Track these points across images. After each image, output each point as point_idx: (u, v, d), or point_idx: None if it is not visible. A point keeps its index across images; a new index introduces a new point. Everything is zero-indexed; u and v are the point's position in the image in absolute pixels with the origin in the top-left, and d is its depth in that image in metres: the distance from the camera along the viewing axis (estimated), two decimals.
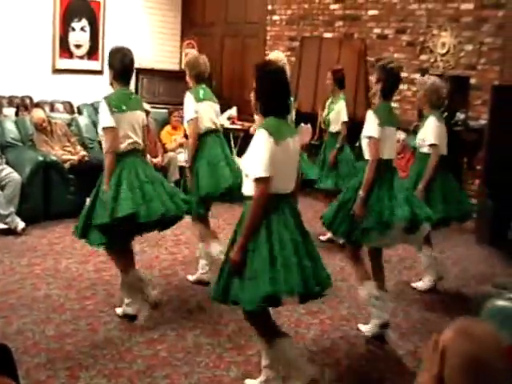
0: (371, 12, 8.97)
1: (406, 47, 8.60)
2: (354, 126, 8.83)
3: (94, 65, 9.85)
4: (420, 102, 5.44)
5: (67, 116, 7.94)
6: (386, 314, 4.41)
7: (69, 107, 8.83)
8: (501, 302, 3.63)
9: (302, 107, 8.39)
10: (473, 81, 7.89)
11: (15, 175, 6.34)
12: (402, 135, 7.73)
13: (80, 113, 8.77)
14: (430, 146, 5.24)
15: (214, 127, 5.22)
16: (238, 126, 9.69)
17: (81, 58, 9.70)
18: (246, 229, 3.29)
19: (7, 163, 6.57)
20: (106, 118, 4.21)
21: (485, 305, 3.71)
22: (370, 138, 4.28)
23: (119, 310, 4.54)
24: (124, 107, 4.25)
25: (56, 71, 9.19)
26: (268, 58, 5.74)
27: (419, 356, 4.25)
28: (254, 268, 3.24)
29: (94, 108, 9.14)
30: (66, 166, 6.77)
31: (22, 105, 8.05)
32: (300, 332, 4.52)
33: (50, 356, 3.88)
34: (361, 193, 4.22)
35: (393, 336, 4.56)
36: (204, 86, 5.28)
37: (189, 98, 5.12)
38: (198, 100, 5.13)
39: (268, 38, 10.34)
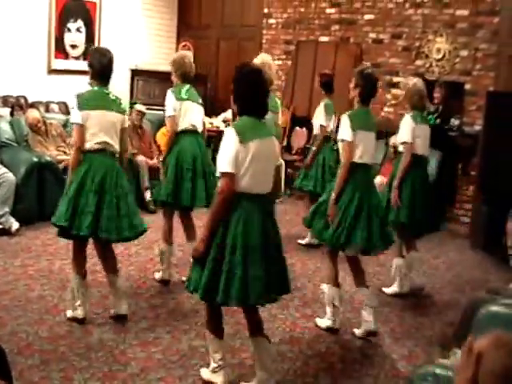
0: (367, 16, 9.01)
1: (401, 52, 8.64)
2: None
3: None
4: (403, 102, 5.51)
5: (62, 116, 7.91)
6: (337, 321, 4.62)
7: (64, 108, 8.81)
8: (494, 308, 3.64)
9: (298, 111, 8.41)
10: (468, 86, 7.93)
11: (10, 175, 6.31)
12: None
13: None
14: (403, 143, 5.32)
15: (191, 128, 5.24)
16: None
17: (76, 58, 9.68)
18: (208, 221, 3.40)
19: (2, 163, 6.52)
20: (74, 114, 4.31)
21: (479, 310, 3.73)
22: (343, 140, 4.40)
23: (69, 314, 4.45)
24: (94, 105, 4.25)
25: (51, 71, 9.17)
26: (255, 60, 5.83)
27: (413, 360, 4.28)
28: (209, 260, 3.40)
29: None
30: (61, 166, 6.74)
31: (17, 105, 8.02)
32: (295, 336, 4.52)
33: (44, 357, 3.86)
34: (332, 195, 4.38)
35: (387, 341, 4.58)
36: (188, 86, 5.31)
37: (170, 95, 5.18)
38: (179, 99, 5.17)
39: (264, 41, 10.37)
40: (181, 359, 4.01)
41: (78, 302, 4.38)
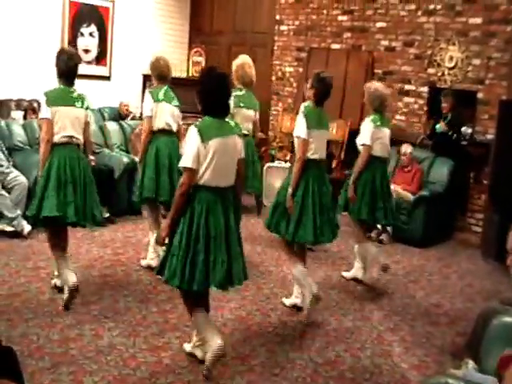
0: (379, 24, 8.99)
1: (413, 60, 8.62)
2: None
3: (101, 70, 9.88)
4: (366, 105, 5.81)
5: None
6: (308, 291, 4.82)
7: None
8: (507, 318, 3.62)
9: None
10: (480, 95, 7.90)
11: (22, 178, 6.34)
12: (408, 149, 7.72)
13: None
14: (362, 145, 5.59)
15: (167, 128, 5.54)
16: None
17: (89, 63, 9.72)
18: (171, 211, 3.79)
19: (14, 166, 6.56)
20: (43, 110, 4.71)
21: (491, 321, 3.71)
22: (298, 137, 4.78)
23: (52, 282, 4.97)
24: (61, 102, 4.68)
25: None
26: (236, 60, 6.33)
27: (424, 370, 4.25)
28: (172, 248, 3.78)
29: (101, 113, 9.18)
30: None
31: (30, 108, 8.06)
32: (305, 343, 4.51)
33: (54, 360, 3.86)
34: (289, 189, 4.75)
35: (397, 350, 4.55)
36: (166, 87, 5.63)
37: (147, 96, 5.54)
38: (156, 100, 5.49)
39: (276, 47, 10.38)
40: (190, 365, 4.00)
41: (56, 273, 4.87)
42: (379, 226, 7.38)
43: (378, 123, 5.58)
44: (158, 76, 5.62)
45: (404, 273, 6.38)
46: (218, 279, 3.75)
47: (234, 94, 6.10)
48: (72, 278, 4.61)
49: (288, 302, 5.13)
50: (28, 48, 8.63)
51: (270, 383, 3.89)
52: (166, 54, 9.89)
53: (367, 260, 5.79)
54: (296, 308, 5.05)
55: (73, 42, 9.35)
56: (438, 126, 7.80)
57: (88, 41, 9.68)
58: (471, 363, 3.89)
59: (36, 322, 4.37)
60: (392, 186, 7.41)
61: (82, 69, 9.42)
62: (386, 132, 5.71)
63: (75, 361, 3.89)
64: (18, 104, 8.31)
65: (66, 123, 4.69)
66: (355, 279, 5.89)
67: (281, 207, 4.88)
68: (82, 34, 9.59)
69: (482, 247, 7.34)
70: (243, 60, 6.12)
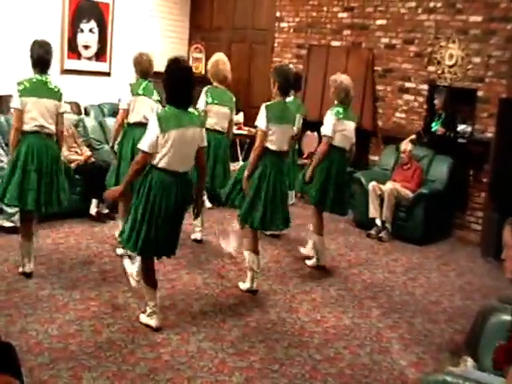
0: (379, 22, 8.98)
1: (413, 58, 8.60)
2: (360, 134, 8.87)
3: (101, 66, 9.86)
4: (331, 97, 5.95)
5: (74, 117, 7.91)
6: (255, 284, 5.26)
7: (76, 108, 8.81)
8: (506, 316, 3.63)
9: (309, 115, 8.37)
10: (480, 93, 7.89)
11: None
12: (408, 146, 7.72)
13: (87, 114, 8.76)
14: (324, 136, 5.82)
15: (144, 121, 5.47)
16: (245, 132, 9.66)
17: (89, 59, 9.70)
18: (123, 183, 4.26)
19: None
20: (14, 100, 4.87)
21: (490, 318, 3.71)
22: (256, 127, 5.05)
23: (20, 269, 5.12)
24: (32, 92, 4.83)
25: (64, 72, 9.17)
26: (212, 58, 6.51)
27: (422, 368, 4.26)
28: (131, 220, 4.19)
29: (101, 109, 9.16)
30: (72, 166, 6.76)
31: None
32: (303, 340, 4.51)
33: (53, 356, 3.86)
34: (245, 172, 5.03)
35: (396, 347, 4.56)
36: (147, 82, 5.80)
37: (128, 90, 5.72)
38: (135, 94, 5.68)
39: (275, 44, 10.36)
40: (189, 361, 4.01)
41: (26, 259, 5.02)
42: (378, 223, 7.39)
43: (341, 116, 5.75)
44: (141, 71, 5.79)
45: (403, 270, 6.38)
46: (164, 251, 4.31)
47: (207, 91, 6.15)
48: (26, 269, 5.04)
49: (243, 286, 5.33)
50: (28, 44, 8.58)
51: (269, 380, 3.90)
52: (165, 50, 9.95)
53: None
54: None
55: (72, 38, 9.35)
56: (433, 124, 7.82)
57: (88, 37, 9.64)
58: (470, 361, 3.90)
59: (35, 317, 4.37)
60: (390, 184, 7.47)
61: (82, 65, 9.56)
62: (350, 124, 5.87)
63: (74, 356, 3.89)
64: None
65: (38, 113, 4.85)
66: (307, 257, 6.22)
67: (239, 184, 5.17)
68: (82, 30, 9.55)
69: (481, 245, 7.35)
70: (217, 57, 6.30)
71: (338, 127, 5.75)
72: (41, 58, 4.95)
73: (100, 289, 5.01)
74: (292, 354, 4.26)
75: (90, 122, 7.92)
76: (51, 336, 4.12)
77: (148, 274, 4.38)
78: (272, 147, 5.03)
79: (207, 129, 5.95)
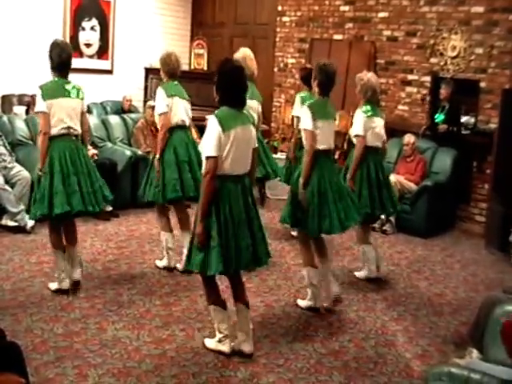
0: (381, 14, 8.96)
1: (416, 50, 8.58)
2: None
3: (103, 64, 9.88)
4: (357, 96, 5.71)
5: None
6: (318, 300, 4.94)
7: None
8: (510, 307, 3.63)
9: None
10: (483, 84, 7.86)
11: (25, 173, 6.36)
12: (411, 139, 7.71)
13: (90, 112, 8.77)
14: (355, 136, 5.56)
15: (181, 124, 5.46)
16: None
17: (91, 57, 9.73)
18: (201, 203, 3.88)
19: (17, 161, 6.59)
20: (39, 104, 4.74)
21: (494, 310, 3.71)
22: (305, 130, 4.75)
23: (52, 286, 4.91)
24: (56, 94, 4.70)
25: None
26: (236, 53, 6.13)
27: (427, 360, 4.26)
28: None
29: (104, 107, 9.19)
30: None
31: (33, 103, 8.04)
32: (308, 334, 4.52)
33: (59, 354, 3.89)
34: (301, 180, 4.74)
35: (401, 339, 4.56)
36: (176, 82, 5.53)
37: (160, 92, 5.37)
38: (169, 95, 5.37)
39: (277, 39, 10.36)
40: (194, 356, 4.02)
41: (63, 275, 4.83)
42: (382, 216, 7.38)
43: (370, 113, 5.54)
44: (169, 72, 5.49)
45: (407, 263, 6.38)
46: (246, 262, 3.96)
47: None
48: (75, 276, 4.90)
49: (303, 303, 5.03)
50: (30, 43, 8.62)
51: (274, 374, 3.91)
52: (167, 47, 9.95)
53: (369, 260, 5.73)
54: (312, 310, 4.96)
55: (74, 36, 9.36)
56: (437, 116, 7.80)
57: (89, 35, 9.67)
58: (475, 352, 3.91)
59: (40, 316, 4.39)
60: (393, 177, 7.45)
61: (84, 63, 9.57)
62: (379, 121, 5.65)
63: (80, 354, 3.91)
64: (21, 99, 8.32)
65: (63, 115, 4.73)
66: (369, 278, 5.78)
67: (296, 201, 4.81)
68: (84, 28, 9.58)
69: (485, 237, 7.33)
70: (244, 53, 6.05)
71: (368, 125, 5.51)
72: (63, 62, 4.76)
73: (104, 287, 5.03)
74: (297, 348, 4.27)
75: (93, 120, 7.91)
76: (56, 334, 4.14)
77: (217, 294, 4.11)
78: (322, 147, 4.77)
79: None
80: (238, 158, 3.90)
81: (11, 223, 6.17)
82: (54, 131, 4.70)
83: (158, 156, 5.36)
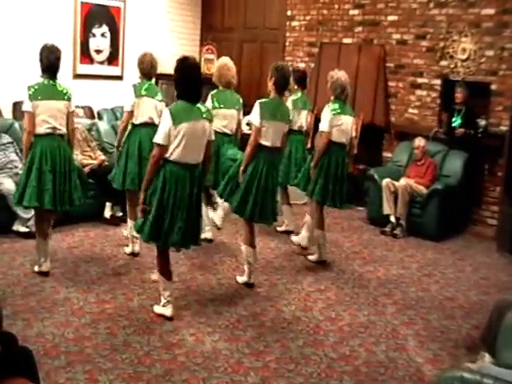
0: (391, 17, 8.94)
1: (425, 53, 8.56)
2: (373, 131, 8.84)
3: (114, 70, 9.93)
4: (327, 92, 6.02)
5: (87, 121, 7.97)
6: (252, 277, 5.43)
7: (89, 112, 8.89)
8: None
9: (320, 113, 8.34)
10: (494, 87, 7.82)
11: None
12: (421, 142, 7.68)
13: (100, 118, 8.83)
14: (321, 132, 5.93)
15: (149, 121, 5.75)
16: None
17: (101, 63, 9.78)
18: (144, 181, 4.43)
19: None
20: (25, 104, 4.99)
21: (506, 313, 3.68)
22: (249, 124, 5.28)
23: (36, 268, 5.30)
24: (43, 96, 4.96)
25: (77, 76, 9.26)
26: (216, 62, 6.57)
27: (439, 364, 4.23)
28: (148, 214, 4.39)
29: (114, 113, 9.22)
30: (86, 170, 6.79)
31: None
32: (318, 339, 4.50)
33: (70, 359, 3.89)
34: (241, 167, 5.20)
35: (412, 343, 4.54)
36: (150, 82, 5.89)
37: (131, 91, 5.77)
38: (138, 95, 5.73)
39: (287, 43, 10.36)
40: (205, 361, 4.02)
41: (42, 259, 5.22)
42: (393, 220, 7.36)
43: (337, 111, 5.81)
44: (142, 71, 5.87)
45: (418, 266, 6.35)
46: (174, 241, 4.41)
47: (213, 95, 6.13)
48: (43, 268, 5.25)
49: (240, 279, 5.48)
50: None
51: (285, 379, 3.90)
52: (176, 52, 9.97)
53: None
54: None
55: (85, 42, 9.41)
56: (453, 120, 7.76)
57: (100, 41, 9.72)
58: (487, 356, 3.88)
59: (51, 321, 4.41)
60: (403, 180, 7.44)
61: (95, 69, 9.63)
62: (347, 119, 5.92)
63: (90, 359, 3.92)
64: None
65: (48, 115, 4.98)
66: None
67: (234, 180, 5.31)
68: (94, 35, 9.64)
69: (496, 240, 7.29)
70: (222, 62, 6.33)
71: (334, 122, 5.81)
72: (51, 64, 5.07)
73: (115, 292, 5.04)
74: (307, 353, 4.26)
75: (103, 125, 7.95)
76: (67, 339, 4.15)
77: (164, 266, 4.60)
78: (265, 143, 5.15)
79: (216, 132, 6.03)
80: (188, 149, 4.32)
81: (22, 229, 6.20)
82: (40, 130, 4.97)
83: (116, 145, 6.05)
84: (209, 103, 6.13)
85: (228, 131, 6.22)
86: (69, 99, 5.15)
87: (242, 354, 4.16)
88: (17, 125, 7.11)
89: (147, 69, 5.85)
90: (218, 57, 10.55)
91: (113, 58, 9.92)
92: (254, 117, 5.14)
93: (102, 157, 7.16)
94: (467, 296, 5.62)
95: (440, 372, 3.90)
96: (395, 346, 4.47)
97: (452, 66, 8.25)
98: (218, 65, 6.38)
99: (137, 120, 5.78)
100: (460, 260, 6.71)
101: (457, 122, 7.76)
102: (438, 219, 7.31)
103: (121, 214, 6.94)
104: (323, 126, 5.87)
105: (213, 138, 4.58)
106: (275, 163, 5.36)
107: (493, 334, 3.83)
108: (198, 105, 4.45)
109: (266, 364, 4.06)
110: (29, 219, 6.13)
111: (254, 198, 5.15)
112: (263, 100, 5.23)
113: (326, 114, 5.84)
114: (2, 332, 3.12)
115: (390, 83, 8.99)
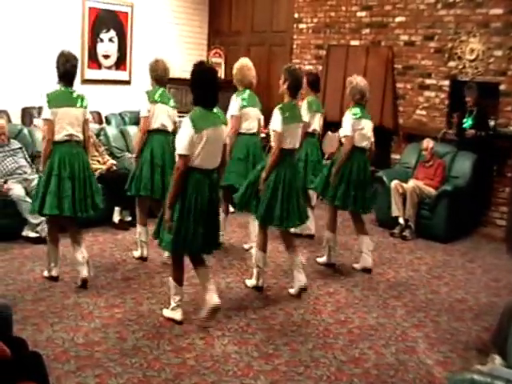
0: (398, 19, 8.94)
1: (433, 54, 8.55)
2: (381, 132, 8.82)
3: (121, 75, 9.97)
4: (347, 98, 6.09)
5: (96, 126, 8.00)
6: (261, 280, 5.39)
7: (97, 117, 8.92)
8: None
9: (329, 116, 8.35)
10: (502, 87, 7.81)
11: None
12: (430, 143, 7.66)
13: (108, 122, 8.86)
14: (344, 137, 5.88)
15: (162, 128, 5.77)
16: (263, 135, 9.59)
17: (109, 68, 9.82)
18: (170, 193, 4.30)
19: (37, 173, 6.64)
20: (44, 111, 5.01)
21: None
22: (274, 131, 5.07)
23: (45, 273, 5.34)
24: (61, 103, 4.98)
25: (85, 81, 9.29)
26: (236, 63, 6.37)
27: (449, 367, 4.21)
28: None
29: (122, 118, 9.25)
30: (96, 175, 6.81)
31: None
32: (328, 342, 4.49)
33: (80, 363, 3.91)
34: (263, 174, 5.08)
35: (422, 346, 4.52)
36: (163, 88, 5.86)
37: (144, 97, 5.75)
38: (152, 101, 5.71)
39: (294, 46, 10.37)
40: (214, 365, 4.02)
41: (52, 264, 5.25)
42: (402, 222, 7.35)
43: (358, 115, 5.81)
44: (156, 78, 5.83)
45: (427, 268, 6.33)
46: (197, 248, 4.43)
47: (238, 95, 6.12)
48: (53, 273, 5.27)
49: (249, 282, 5.46)
50: (48, 55, 8.70)
51: (294, 382, 3.89)
52: (184, 56, 10.01)
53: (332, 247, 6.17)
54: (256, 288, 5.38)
55: (92, 48, 9.46)
56: (465, 121, 7.73)
57: (108, 46, 9.77)
58: (498, 359, 3.85)
59: (61, 326, 4.42)
60: (412, 182, 7.41)
61: (103, 74, 9.67)
62: (367, 123, 5.92)
63: (100, 364, 3.93)
64: (40, 111, 8.32)
65: (67, 123, 5.00)
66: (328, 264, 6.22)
67: (252, 188, 5.23)
68: (102, 40, 9.68)
69: (506, 241, 7.25)
70: (242, 63, 6.27)
71: (356, 126, 5.80)
72: (67, 71, 5.06)
73: (124, 296, 5.05)
74: (317, 356, 4.25)
75: (112, 130, 7.98)
76: (77, 344, 4.16)
77: (179, 273, 4.59)
78: (287, 147, 5.10)
79: (243, 133, 6.07)
80: (208, 155, 4.30)
81: (32, 234, 6.23)
82: (58, 137, 4.99)
83: (135, 155, 5.84)
84: (235, 104, 6.08)
85: (255, 131, 6.23)
86: (85, 107, 5.18)
87: (252, 358, 4.16)
88: (26, 130, 7.16)
89: (161, 75, 5.83)
90: (226, 61, 10.64)
91: (120, 63, 9.96)
92: (276, 124, 5.05)
93: (111, 161, 7.18)
94: (477, 298, 5.59)
95: (450, 374, 3.89)
96: (405, 349, 4.46)
97: (460, 66, 8.24)
98: (238, 66, 6.27)
99: (150, 126, 5.75)
100: (469, 262, 6.69)
101: (468, 123, 7.73)
102: (446, 221, 7.28)
103: (130, 218, 6.95)
104: (346, 131, 5.84)
105: (227, 141, 4.55)
106: (295, 165, 5.35)
107: (503, 335, 3.81)
108: (215, 109, 4.43)
109: (275, 367, 4.06)
110: (38, 224, 6.16)
111: (280, 204, 5.07)
112: (281, 105, 5.13)
113: (348, 119, 5.82)
114: (13, 337, 3.15)
115: (398, 85, 8.98)
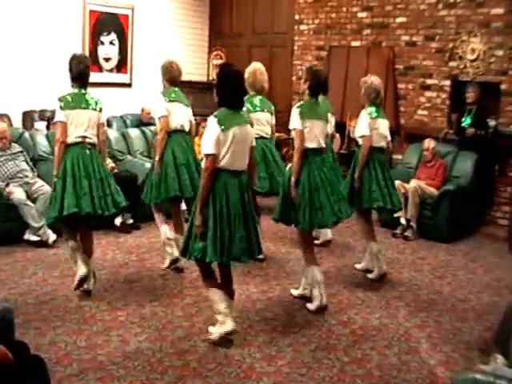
0: (399, 19, 8.93)
1: (434, 54, 8.54)
2: None
3: (122, 78, 9.98)
4: (362, 98, 5.91)
5: None
6: (323, 299, 5.06)
7: None
8: None
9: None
10: (504, 86, 7.80)
11: (47, 188, 6.41)
12: (431, 143, 7.65)
13: (109, 125, 8.85)
14: (361, 137, 5.76)
15: (179, 128, 5.70)
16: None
17: (110, 71, 9.83)
18: (200, 196, 4.14)
19: (39, 176, 6.67)
20: (57, 114, 4.97)
21: None
22: (294, 129, 4.97)
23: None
24: (74, 105, 4.93)
25: None
26: (248, 68, 6.26)
27: (452, 366, 4.21)
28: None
29: (124, 120, 9.26)
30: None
31: (53, 118, 8.16)
32: (331, 343, 4.49)
33: (82, 367, 3.91)
34: (292, 179, 4.90)
35: (425, 346, 4.52)
36: (176, 89, 5.79)
37: (159, 98, 5.68)
38: (169, 100, 5.65)
39: (296, 47, 10.37)
40: (217, 367, 4.02)
41: (79, 262, 5.03)
42: (403, 222, 7.34)
43: (375, 114, 5.74)
44: (170, 79, 5.77)
45: (430, 268, 6.33)
46: (237, 253, 4.19)
47: (247, 100, 6.08)
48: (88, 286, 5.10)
49: (296, 292, 5.33)
50: (49, 58, 8.73)
51: None
52: (185, 58, 10.00)
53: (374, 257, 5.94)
54: (304, 298, 5.21)
55: (93, 50, 9.47)
56: (463, 119, 7.72)
57: (108, 49, 9.78)
58: (500, 358, 3.85)
59: (63, 329, 4.43)
60: (414, 182, 7.41)
61: (104, 77, 9.68)
62: (383, 122, 5.85)
63: (103, 367, 3.93)
64: (41, 115, 8.43)
65: (79, 125, 4.95)
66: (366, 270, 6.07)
67: (287, 199, 5.01)
68: (103, 43, 9.69)
69: (508, 240, 7.24)
70: (254, 67, 6.23)
71: (372, 126, 5.72)
72: (81, 73, 5.01)
73: (126, 299, 5.06)
74: (319, 357, 4.25)
75: (113, 133, 7.99)
76: (80, 347, 4.17)
77: (212, 280, 4.39)
78: (312, 145, 4.96)
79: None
80: (235, 155, 4.18)
81: (34, 238, 6.24)
82: (70, 139, 4.92)
83: (157, 157, 5.60)
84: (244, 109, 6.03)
85: (264, 135, 6.23)
86: (100, 110, 5.11)
87: (255, 359, 4.16)
88: (27, 134, 7.18)
89: (175, 76, 5.77)
90: (227, 62, 10.62)
91: (121, 66, 9.97)
92: (295, 122, 4.96)
93: (112, 164, 7.18)
94: (479, 298, 5.59)
95: (453, 374, 3.88)
96: (408, 349, 4.45)
97: (461, 66, 8.23)
98: (250, 70, 6.21)
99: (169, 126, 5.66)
100: (472, 261, 6.68)
101: (466, 121, 7.72)
102: (448, 220, 7.28)
103: (131, 221, 6.96)
104: (362, 131, 5.73)
105: (254, 143, 4.44)
106: (325, 163, 5.12)
107: (505, 335, 3.81)
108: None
109: (278, 369, 4.05)
110: (39, 228, 6.17)
111: (322, 203, 4.90)
112: (299, 104, 5.08)
113: (364, 118, 5.74)
114: (15, 341, 3.15)
115: (400, 85, 8.98)
